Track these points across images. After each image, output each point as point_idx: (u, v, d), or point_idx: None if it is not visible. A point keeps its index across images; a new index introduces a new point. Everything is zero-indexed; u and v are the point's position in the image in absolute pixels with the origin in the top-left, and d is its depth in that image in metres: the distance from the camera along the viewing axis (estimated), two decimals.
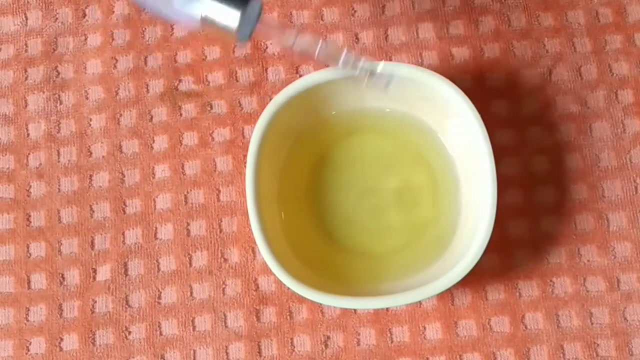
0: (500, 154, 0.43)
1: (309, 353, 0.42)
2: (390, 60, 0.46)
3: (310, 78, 0.40)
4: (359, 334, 0.43)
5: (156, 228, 0.44)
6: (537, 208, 0.44)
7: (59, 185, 0.45)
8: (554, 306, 0.43)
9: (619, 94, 0.45)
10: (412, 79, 0.40)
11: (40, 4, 0.48)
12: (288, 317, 0.43)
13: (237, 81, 0.46)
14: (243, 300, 0.43)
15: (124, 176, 0.45)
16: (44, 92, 0.47)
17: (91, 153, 0.45)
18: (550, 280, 0.43)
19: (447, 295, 0.43)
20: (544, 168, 0.44)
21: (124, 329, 0.43)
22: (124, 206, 0.45)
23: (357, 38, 0.46)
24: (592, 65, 0.46)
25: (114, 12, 0.47)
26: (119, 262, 0.44)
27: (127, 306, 0.43)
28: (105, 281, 0.44)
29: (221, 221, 0.44)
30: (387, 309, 0.43)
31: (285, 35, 0.35)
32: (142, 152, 0.45)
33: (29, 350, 0.43)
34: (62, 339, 0.43)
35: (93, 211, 0.45)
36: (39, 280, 0.44)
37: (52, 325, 0.43)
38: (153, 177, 0.45)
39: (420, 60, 0.46)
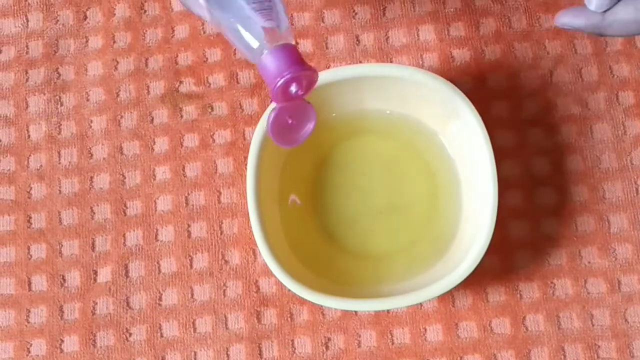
0: (501, 155, 0.43)
1: (310, 355, 0.42)
2: (391, 62, 0.46)
3: None
4: (360, 336, 0.43)
5: (157, 230, 0.44)
6: (537, 210, 0.44)
7: (60, 187, 0.45)
8: (554, 308, 0.43)
9: (620, 96, 0.45)
10: (413, 81, 0.40)
11: (41, 6, 0.48)
12: (289, 319, 0.43)
13: (238, 83, 0.46)
14: (244, 302, 0.43)
15: (125, 178, 0.45)
16: (44, 94, 0.47)
17: (92, 155, 0.45)
18: (551, 282, 0.43)
19: (447, 297, 0.43)
20: (545, 170, 0.44)
21: (124, 330, 0.43)
22: (124, 208, 0.45)
23: (358, 40, 0.46)
24: (592, 67, 0.46)
25: (115, 14, 0.48)
26: (120, 264, 0.44)
27: (127, 308, 0.43)
28: (106, 283, 0.44)
29: (222, 223, 0.44)
30: (388, 311, 0.43)
31: None
32: (142, 154, 0.45)
33: (29, 352, 0.43)
34: (62, 341, 0.43)
35: (94, 213, 0.45)
36: (39, 282, 0.44)
37: (53, 327, 0.43)
38: (154, 179, 0.45)
39: (421, 62, 0.46)
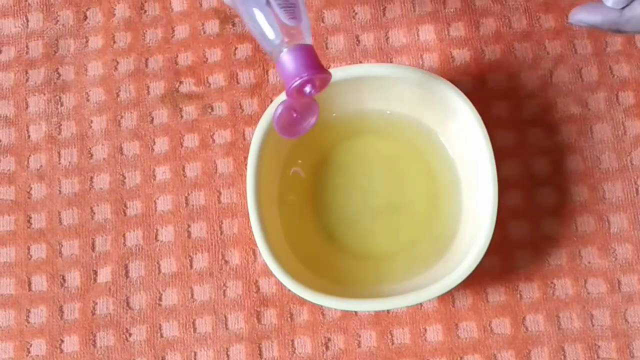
0: (501, 155, 0.43)
1: (310, 355, 0.42)
2: (391, 62, 0.46)
3: None
4: (360, 336, 0.43)
5: (157, 230, 0.44)
6: (537, 210, 0.44)
7: (60, 187, 0.45)
8: (554, 308, 0.43)
9: (620, 96, 0.45)
10: (413, 81, 0.40)
11: (41, 7, 0.48)
12: (289, 319, 0.43)
13: (238, 83, 0.46)
14: (244, 302, 0.43)
15: (125, 178, 0.45)
16: (44, 94, 0.47)
17: (92, 155, 0.45)
18: (551, 282, 0.43)
19: (447, 297, 0.43)
20: (545, 170, 0.44)
21: (124, 330, 0.43)
22: (124, 208, 0.45)
23: (358, 40, 0.46)
24: (592, 67, 0.46)
25: (115, 14, 0.48)
26: (120, 264, 0.44)
27: (127, 308, 0.43)
28: (106, 283, 0.44)
29: (222, 223, 0.44)
30: (388, 311, 0.43)
31: None
32: (142, 154, 0.45)
33: (29, 352, 0.43)
34: (62, 341, 0.43)
35: (94, 213, 0.45)
36: (39, 282, 0.44)
37: (53, 327, 0.43)
38: (154, 179, 0.45)
39: (421, 62, 0.46)
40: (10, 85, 0.47)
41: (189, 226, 0.44)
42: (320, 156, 0.43)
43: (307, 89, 0.34)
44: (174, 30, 0.47)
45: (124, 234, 0.44)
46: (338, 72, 0.41)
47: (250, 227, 0.39)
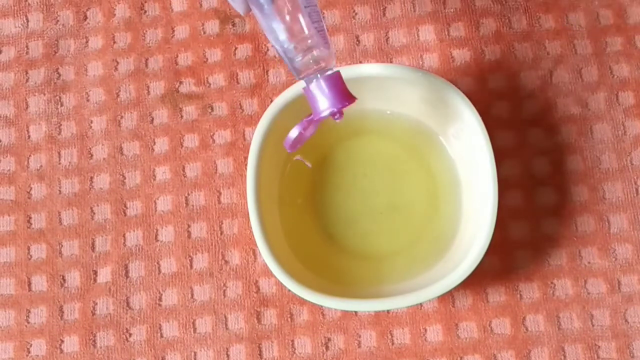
0: (501, 155, 0.43)
1: (310, 355, 0.42)
2: (391, 62, 0.46)
3: None
4: (360, 336, 0.43)
5: (157, 230, 0.44)
6: (537, 210, 0.44)
7: (60, 187, 0.45)
8: (554, 308, 0.43)
9: (620, 96, 0.45)
10: (413, 81, 0.40)
11: (41, 7, 0.48)
12: (289, 319, 0.43)
13: (238, 83, 0.46)
14: (244, 302, 0.43)
15: (125, 178, 0.45)
16: (44, 94, 0.47)
17: (92, 155, 0.46)
18: (551, 282, 0.43)
19: (448, 297, 0.43)
20: (545, 170, 0.44)
21: (124, 331, 0.43)
22: (124, 208, 0.45)
23: (358, 40, 0.47)
24: (592, 67, 0.46)
25: (115, 14, 0.48)
26: (120, 264, 0.44)
27: (127, 308, 0.43)
28: (106, 283, 0.44)
29: (222, 223, 0.44)
30: (388, 311, 0.43)
31: None
32: (142, 154, 0.45)
33: (29, 352, 0.43)
34: (62, 341, 0.43)
35: (94, 213, 0.45)
36: (39, 282, 0.44)
37: (53, 327, 0.43)
38: (154, 179, 0.45)
39: (421, 63, 0.46)
40: (10, 86, 0.47)
41: (189, 226, 0.44)
42: (320, 156, 0.43)
43: (336, 116, 0.35)
44: (174, 31, 0.47)
45: (124, 234, 0.44)
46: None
47: (250, 227, 0.39)
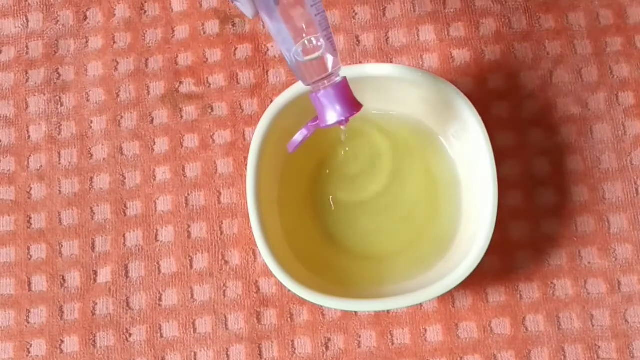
0: (501, 156, 0.43)
1: (310, 355, 0.42)
2: (391, 62, 0.46)
3: None
4: (360, 336, 0.43)
5: (157, 230, 0.44)
6: (537, 210, 0.44)
7: (60, 187, 0.45)
8: (554, 308, 0.43)
9: (620, 96, 0.45)
10: (413, 82, 0.40)
11: (42, 7, 0.48)
12: (289, 319, 0.43)
13: (238, 83, 0.46)
14: (244, 303, 0.43)
15: (125, 178, 0.45)
16: (44, 94, 0.47)
17: (92, 155, 0.46)
18: (551, 282, 0.43)
19: (448, 297, 0.43)
20: (545, 170, 0.44)
21: (124, 331, 0.43)
22: (124, 208, 0.45)
23: (358, 40, 0.47)
24: (592, 68, 0.46)
25: (115, 14, 0.48)
26: (120, 264, 0.44)
27: (127, 308, 0.43)
28: (106, 283, 0.44)
29: (222, 223, 0.44)
30: (388, 311, 0.43)
31: None
32: (142, 154, 0.45)
33: (29, 353, 0.43)
34: (62, 341, 0.43)
35: (94, 213, 0.45)
36: (39, 282, 0.44)
37: (53, 328, 0.43)
38: (154, 179, 0.45)
39: (421, 63, 0.46)
40: (10, 86, 0.47)
41: (189, 226, 0.44)
42: (320, 156, 0.43)
43: (342, 123, 0.36)
44: (174, 31, 0.47)
45: (124, 234, 0.44)
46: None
47: (250, 228, 0.39)
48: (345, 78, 0.35)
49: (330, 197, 0.43)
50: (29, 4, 0.48)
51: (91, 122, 0.46)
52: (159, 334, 0.43)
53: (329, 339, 0.43)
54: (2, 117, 0.46)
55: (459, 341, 0.42)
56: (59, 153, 0.46)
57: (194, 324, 0.43)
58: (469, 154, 0.41)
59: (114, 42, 0.47)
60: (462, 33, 0.46)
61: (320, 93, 0.35)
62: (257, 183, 0.39)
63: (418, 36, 0.46)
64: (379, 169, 0.43)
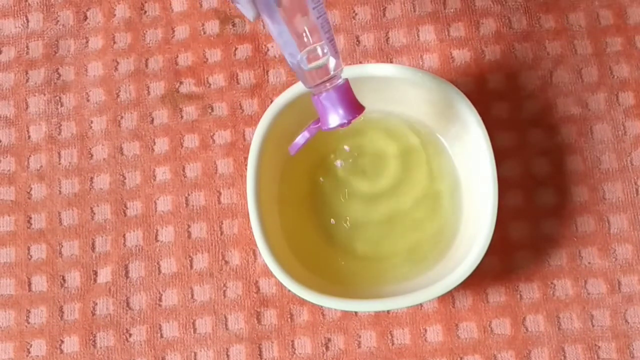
0: (501, 156, 0.43)
1: (310, 355, 0.42)
2: (391, 62, 0.46)
3: None
4: (360, 337, 0.43)
5: (157, 230, 0.44)
6: (537, 210, 0.44)
7: (60, 188, 0.45)
8: (555, 308, 0.43)
9: (620, 96, 0.45)
10: (413, 82, 0.40)
11: (42, 7, 0.48)
12: (289, 320, 0.43)
13: (238, 83, 0.46)
14: (244, 303, 0.43)
15: (125, 178, 0.45)
16: (45, 95, 0.47)
17: (92, 155, 0.46)
18: (551, 283, 0.43)
19: (448, 297, 0.43)
20: (545, 170, 0.44)
21: (124, 331, 0.43)
22: (124, 208, 0.45)
23: (358, 40, 0.47)
24: (592, 68, 0.46)
25: (115, 15, 0.48)
26: (120, 265, 0.44)
27: (127, 308, 0.43)
28: (106, 283, 0.44)
29: (222, 223, 0.44)
30: (388, 312, 0.43)
31: None
32: (143, 155, 0.45)
33: (29, 353, 0.43)
34: (62, 342, 0.43)
35: (94, 213, 0.45)
36: (39, 283, 0.44)
37: (53, 328, 0.43)
38: (154, 180, 0.45)
39: (421, 63, 0.46)
40: (10, 86, 0.47)
41: (189, 226, 0.44)
42: (320, 156, 0.43)
43: (344, 125, 0.36)
44: (174, 31, 0.47)
45: (124, 235, 0.44)
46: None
47: (250, 228, 0.39)
48: (347, 80, 0.35)
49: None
50: (29, 4, 0.48)
51: (91, 122, 0.46)
52: (159, 334, 0.43)
53: (329, 339, 0.43)
54: (2, 117, 0.46)
55: (459, 341, 0.42)
56: (59, 153, 0.46)
57: (194, 324, 0.43)
58: (469, 154, 0.41)
59: (114, 42, 0.47)
60: (462, 33, 0.46)
61: (322, 96, 0.35)
62: (257, 183, 0.39)
63: (418, 36, 0.46)
64: (379, 169, 0.43)
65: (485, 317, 0.42)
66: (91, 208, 0.45)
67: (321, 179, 0.43)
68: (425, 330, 0.42)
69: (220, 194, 0.45)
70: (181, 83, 0.46)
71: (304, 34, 0.34)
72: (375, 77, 0.41)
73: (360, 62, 0.46)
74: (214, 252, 0.44)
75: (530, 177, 0.44)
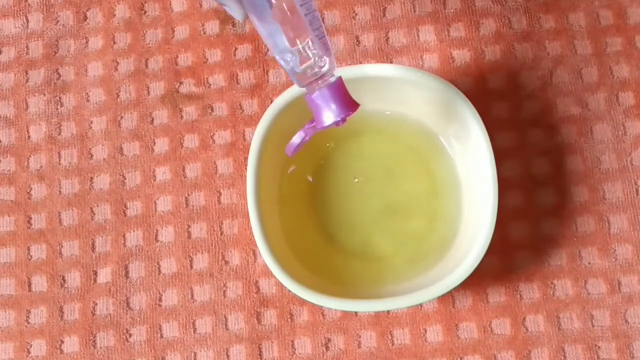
0: (501, 156, 0.43)
1: (310, 355, 0.42)
2: (391, 62, 0.46)
3: None
4: (360, 337, 0.43)
5: (157, 230, 0.44)
6: (537, 210, 0.44)
7: (60, 188, 0.45)
8: (555, 308, 0.43)
9: (620, 96, 0.45)
10: (413, 82, 0.40)
11: (42, 7, 0.48)
12: (289, 320, 0.43)
13: (238, 84, 0.46)
14: (244, 303, 0.43)
15: (125, 178, 0.45)
16: (44, 95, 0.47)
17: (92, 155, 0.46)
18: (551, 283, 0.43)
19: (448, 297, 0.43)
20: (545, 170, 0.44)
21: (124, 331, 0.43)
22: (124, 208, 0.45)
23: (358, 41, 0.47)
24: (592, 68, 0.46)
25: (115, 15, 0.48)
26: (120, 265, 0.44)
27: (127, 308, 0.43)
28: (106, 283, 0.44)
29: (222, 223, 0.44)
30: (388, 312, 0.43)
31: None
32: (143, 155, 0.45)
33: (29, 353, 0.43)
34: (62, 342, 0.43)
35: (94, 213, 0.45)
36: (39, 283, 0.44)
37: (53, 328, 0.43)
38: (154, 180, 0.45)
39: (421, 63, 0.46)
40: (10, 86, 0.47)
41: (189, 227, 0.44)
42: (320, 156, 0.43)
43: (339, 123, 0.35)
44: (174, 31, 0.47)
45: (124, 235, 0.44)
46: (338, 73, 0.40)
47: (250, 228, 0.39)
48: (340, 77, 0.35)
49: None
50: (29, 4, 0.48)
51: (91, 122, 0.46)
52: (159, 334, 0.43)
53: (329, 339, 0.43)
54: (2, 117, 0.46)
55: (459, 341, 0.42)
56: (59, 153, 0.46)
57: (194, 324, 0.43)
58: (469, 154, 0.41)
59: (114, 43, 0.47)
60: (462, 33, 0.46)
61: (315, 94, 0.34)
62: (257, 183, 0.39)
63: (418, 36, 0.46)
64: (379, 169, 0.43)
65: (485, 317, 0.42)
66: (91, 208, 0.45)
67: (321, 179, 0.43)
68: (425, 331, 0.42)
69: (220, 194, 0.45)
70: (181, 83, 0.46)
71: (294, 33, 0.33)
72: (374, 78, 0.41)
73: (360, 62, 0.46)
74: (214, 252, 0.44)
75: (530, 177, 0.44)
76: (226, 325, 0.43)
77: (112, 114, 0.46)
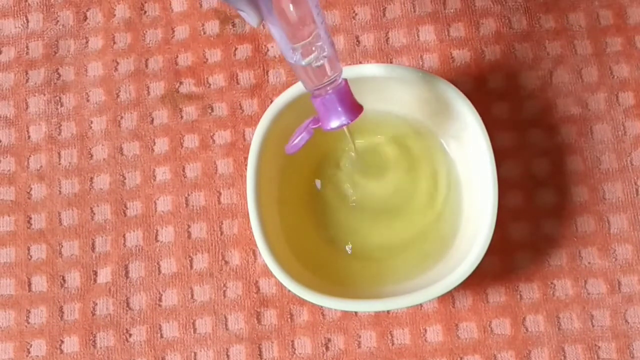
0: (501, 156, 0.43)
1: (310, 355, 0.42)
2: (391, 62, 0.46)
3: None
4: (360, 337, 0.43)
5: (157, 230, 0.44)
6: (537, 210, 0.44)
7: (60, 188, 0.45)
8: (555, 308, 0.43)
9: (620, 97, 0.45)
10: (413, 82, 0.40)
11: (42, 7, 0.48)
12: (289, 320, 0.43)
13: (238, 84, 0.46)
14: (244, 303, 0.43)
15: (125, 178, 0.45)
16: (44, 95, 0.47)
17: (92, 155, 0.46)
18: (551, 283, 0.43)
19: (448, 297, 0.43)
20: (545, 170, 0.44)
21: (124, 331, 0.43)
22: (124, 208, 0.45)
23: (358, 41, 0.47)
24: (592, 68, 0.46)
25: (115, 15, 0.48)
26: (120, 265, 0.44)
27: (127, 308, 0.43)
28: (106, 283, 0.44)
29: (222, 224, 0.44)
30: (388, 312, 0.43)
31: None
32: (142, 155, 0.45)
33: (29, 353, 0.43)
34: (62, 342, 0.43)
35: (94, 213, 0.45)
36: (39, 283, 0.44)
37: (53, 328, 0.43)
38: (154, 180, 0.45)
39: (421, 63, 0.46)
40: (10, 86, 0.47)
41: (189, 227, 0.44)
42: (320, 156, 0.43)
43: (345, 127, 0.36)
44: (174, 31, 0.47)
45: (124, 235, 0.44)
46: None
47: (250, 228, 0.39)
48: (346, 81, 0.35)
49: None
50: (29, 4, 0.48)
51: (91, 122, 0.46)
52: (159, 334, 0.43)
53: (329, 339, 0.43)
54: (2, 117, 0.46)
55: (459, 341, 0.42)
56: (59, 153, 0.46)
57: (194, 324, 0.43)
58: (469, 154, 0.41)
59: (114, 43, 0.47)
60: (462, 33, 0.46)
61: (323, 98, 0.35)
62: (257, 183, 0.39)
63: (418, 36, 0.46)
64: (378, 169, 0.43)
65: (485, 317, 0.42)
66: (91, 208, 0.45)
67: (321, 179, 0.43)
68: (425, 331, 0.42)
69: (220, 194, 0.45)
70: (181, 83, 0.46)
71: (302, 33, 0.33)
72: (374, 78, 0.41)
73: (360, 62, 0.46)
74: (214, 252, 0.44)
75: (530, 177, 0.44)
76: (226, 325, 0.43)
77: (112, 114, 0.46)
